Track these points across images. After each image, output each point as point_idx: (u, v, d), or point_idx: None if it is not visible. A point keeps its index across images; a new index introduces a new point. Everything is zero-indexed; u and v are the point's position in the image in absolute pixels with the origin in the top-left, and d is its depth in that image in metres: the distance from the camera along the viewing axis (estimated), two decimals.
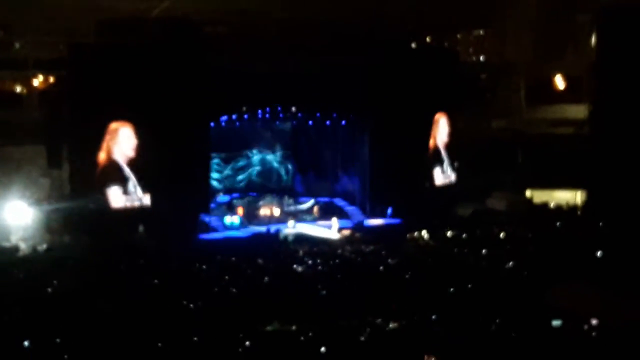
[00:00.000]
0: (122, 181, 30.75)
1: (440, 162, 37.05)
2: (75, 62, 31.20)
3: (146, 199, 30.95)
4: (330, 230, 32.72)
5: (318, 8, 38.98)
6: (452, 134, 37.34)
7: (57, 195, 32.85)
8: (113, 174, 30.67)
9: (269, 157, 38.05)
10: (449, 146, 37.27)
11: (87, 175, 30.65)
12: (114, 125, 30.58)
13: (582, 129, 38.27)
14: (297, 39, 35.77)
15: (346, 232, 32.49)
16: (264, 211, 35.22)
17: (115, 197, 30.62)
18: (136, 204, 30.84)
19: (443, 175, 37.10)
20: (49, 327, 18.11)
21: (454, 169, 37.44)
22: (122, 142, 30.74)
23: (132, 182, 30.85)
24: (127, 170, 30.79)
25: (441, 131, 37.01)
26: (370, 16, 39.08)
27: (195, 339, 17.45)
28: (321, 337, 17.34)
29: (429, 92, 35.59)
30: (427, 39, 46.49)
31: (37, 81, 39.52)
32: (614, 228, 29.55)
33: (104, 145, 30.55)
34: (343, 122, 36.48)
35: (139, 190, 30.86)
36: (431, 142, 36.72)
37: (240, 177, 37.44)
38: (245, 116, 34.63)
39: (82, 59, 31.01)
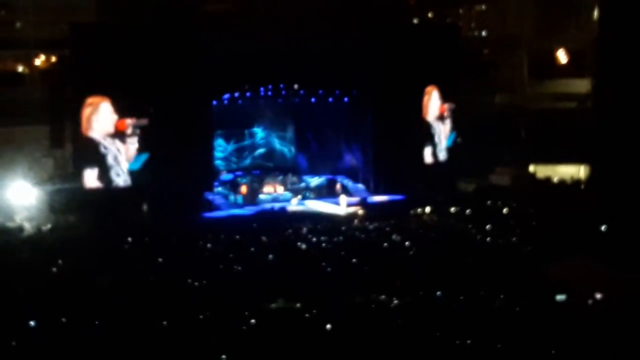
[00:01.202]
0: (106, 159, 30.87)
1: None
2: (77, 41, 31.12)
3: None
4: (338, 206, 32.73)
5: None
6: (455, 109, 37.33)
7: (60, 175, 32.87)
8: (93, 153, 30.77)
9: (272, 135, 37.97)
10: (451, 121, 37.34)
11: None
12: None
13: (585, 104, 38.17)
14: (299, 16, 35.63)
15: (353, 209, 32.47)
16: (267, 189, 35.18)
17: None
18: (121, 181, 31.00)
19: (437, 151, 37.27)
20: (55, 306, 18.17)
21: (456, 144, 37.44)
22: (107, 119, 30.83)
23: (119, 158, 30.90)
24: (115, 148, 30.82)
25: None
26: None
27: (201, 317, 17.51)
28: (326, 314, 17.38)
29: (432, 68, 35.50)
30: (429, 15, 46.35)
31: (39, 61, 39.48)
32: (618, 202, 29.51)
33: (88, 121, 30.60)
34: (346, 99, 36.42)
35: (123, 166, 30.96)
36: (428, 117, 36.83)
37: (243, 156, 37.38)
38: (248, 94, 34.57)
39: (84, 38, 30.93)
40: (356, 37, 34.20)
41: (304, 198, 34.79)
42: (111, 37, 30.45)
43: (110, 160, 30.63)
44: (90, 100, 30.32)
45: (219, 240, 26.54)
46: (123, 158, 30.79)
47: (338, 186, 35.85)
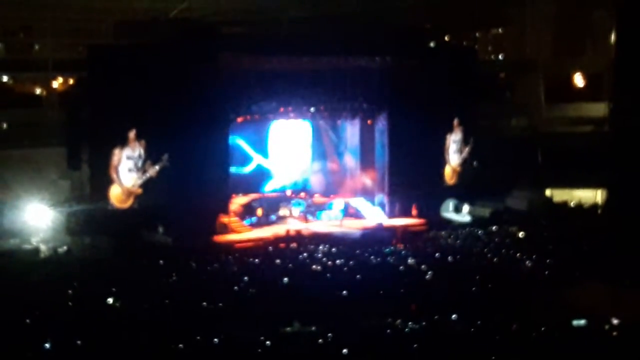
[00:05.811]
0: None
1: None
2: (94, 63, 31.26)
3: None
4: (353, 229, 32.68)
5: (336, 7, 39.02)
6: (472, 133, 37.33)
7: (77, 196, 32.94)
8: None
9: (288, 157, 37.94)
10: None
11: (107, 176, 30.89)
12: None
13: (602, 127, 38.10)
14: (314, 39, 35.73)
15: (367, 232, 32.39)
16: (283, 212, 35.09)
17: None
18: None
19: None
20: (70, 328, 18.16)
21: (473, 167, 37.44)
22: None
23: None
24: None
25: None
26: (389, 15, 39.08)
27: (216, 340, 17.46)
28: (341, 337, 17.31)
29: (448, 91, 35.46)
30: (446, 38, 46.45)
31: (57, 83, 39.72)
32: (635, 226, 29.37)
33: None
34: (362, 122, 36.41)
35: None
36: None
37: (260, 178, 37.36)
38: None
39: (101, 60, 31.07)
40: (372, 61, 34.25)
41: (319, 220, 34.71)
42: (129, 59, 30.54)
43: None
44: None
45: (233, 263, 26.54)
46: None
47: (353, 209, 35.78)
